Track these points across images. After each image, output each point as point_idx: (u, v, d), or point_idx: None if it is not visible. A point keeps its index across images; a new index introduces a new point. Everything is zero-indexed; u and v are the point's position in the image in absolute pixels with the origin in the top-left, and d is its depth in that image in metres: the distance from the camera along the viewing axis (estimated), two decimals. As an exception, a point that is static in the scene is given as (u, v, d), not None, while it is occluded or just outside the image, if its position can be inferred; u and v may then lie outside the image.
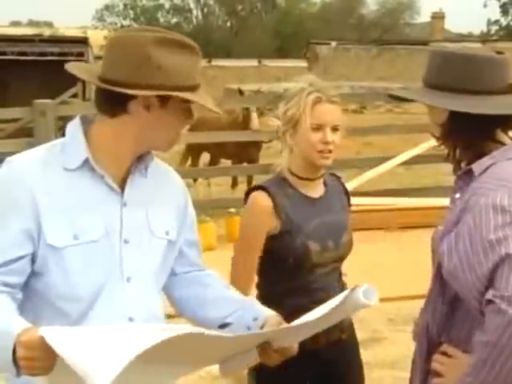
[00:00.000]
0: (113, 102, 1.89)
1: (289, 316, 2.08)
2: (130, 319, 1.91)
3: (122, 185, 1.95)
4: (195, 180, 10.85)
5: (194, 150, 11.55)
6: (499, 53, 2.00)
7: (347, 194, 2.80)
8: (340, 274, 2.74)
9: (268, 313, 2.04)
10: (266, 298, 2.47)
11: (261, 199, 2.59)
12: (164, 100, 1.87)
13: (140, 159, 1.98)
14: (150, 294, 1.98)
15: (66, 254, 1.85)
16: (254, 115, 10.28)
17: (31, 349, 1.60)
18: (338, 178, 2.81)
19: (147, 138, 1.91)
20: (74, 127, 1.95)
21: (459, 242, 1.85)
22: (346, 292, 1.77)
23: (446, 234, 1.94)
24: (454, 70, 1.97)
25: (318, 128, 2.53)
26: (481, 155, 1.97)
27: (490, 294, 1.76)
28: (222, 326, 2.06)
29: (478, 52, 1.99)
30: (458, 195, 2.00)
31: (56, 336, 1.57)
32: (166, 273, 2.08)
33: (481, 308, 1.80)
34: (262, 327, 1.99)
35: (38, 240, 1.84)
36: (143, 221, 1.96)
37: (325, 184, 2.70)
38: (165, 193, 2.05)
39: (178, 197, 2.10)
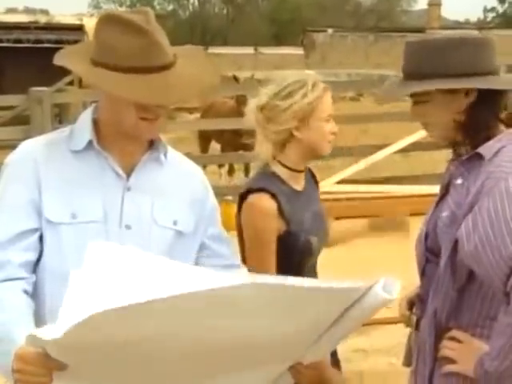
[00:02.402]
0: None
1: None
2: None
3: (132, 170, 1.96)
4: (205, 167, 10.86)
5: (202, 138, 11.60)
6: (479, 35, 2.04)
7: (317, 184, 2.78)
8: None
9: None
10: None
11: (265, 202, 2.45)
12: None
13: (153, 147, 1.99)
14: None
15: (61, 230, 1.87)
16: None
17: (24, 362, 1.57)
18: (309, 168, 2.74)
19: (115, 122, 1.90)
20: (85, 113, 1.99)
21: (478, 224, 1.86)
22: (361, 285, 1.59)
23: (456, 219, 1.95)
24: (457, 55, 1.97)
25: (329, 119, 2.51)
26: (488, 138, 1.98)
27: None
28: None
29: (469, 35, 2.02)
30: (459, 181, 2.00)
31: (48, 332, 1.51)
32: None
33: (505, 289, 1.82)
34: None
35: (41, 214, 1.87)
36: (146, 208, 1.96)
37: (305, 176, 2.67)
38: (179, 184, 2.04)
39: (195, 189, 2.08)
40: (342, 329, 1.72)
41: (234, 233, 2.70)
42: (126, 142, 1.94)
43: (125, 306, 1.38)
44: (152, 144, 2.00)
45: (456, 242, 1.93)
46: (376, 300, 1.62)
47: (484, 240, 1.84)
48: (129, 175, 1.95)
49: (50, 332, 1.50)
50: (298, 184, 2.60)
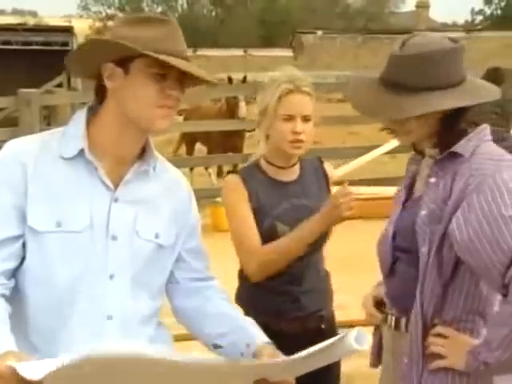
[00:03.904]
0: (96, 86, 1.95)
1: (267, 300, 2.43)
2: (109, 317, 1.91)
3: (120, 180, 1.94)
4: (191, 169, 10.89)
5: (187, 139, 11.62)
6: (454, 41, 2.04)
7: (326, 178, 2.81)
8: (318, 262, 2.76)
9: (261, 340, 2.01)
10: (246, 282, 2.62)
11: (233, 179, 2.69)
12: (125, 67, 1.87)
13: (143, 158, 1.98)
14: (135, 294, 1.96)
15: (46, 239, 1.85)
16: (242, 104, 10.30)
17: (0, 378, 1.57)
18: (321, 161, 2.82)
19: (126, 114, 1.89)
20: (78, 115, 1.96)
21: (471, 220, 1.90)
22: (337, 337, 1.77)
23: (436, 217, 1.98)
24: (422, 70, 1.98)
25: (289, 118, 2.58)
26: (456, 139, 2.03)
27: None
28: (216, 346, 2.07)
29: (435, 47, 1.99)
30: (433, 180, 2.05)
31: (29, 369, 1.53)
32: (159, 277, 2.05)
33: (504, 281, 1.87)
34: (253, 355, 1.96)
35: (25, 220, 1.85)
36: (130, 220, 1.94)
37: (301, 168, 2.73)
38: (165, 197, 2.03)
39: (179, 202, 2.08)
40: (309, 365, 1.88)
41: (223, 233, 2.74)
42: (121, 144, 1.93)
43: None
44: (142, 153, 1.99)
45: (442, 240, 1.97)
46: (347, 349, 1.75)
47: (480, 234, 1.88)
48: (116, 185, 1.93)
49: (31, 371, 1.51)
50: (285, 176, 2.70)
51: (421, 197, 2.09)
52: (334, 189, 2.72)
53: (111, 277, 1.91)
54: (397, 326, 2.18)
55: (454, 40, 2.05)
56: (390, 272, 2.18)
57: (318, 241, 2.66)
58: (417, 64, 1.99)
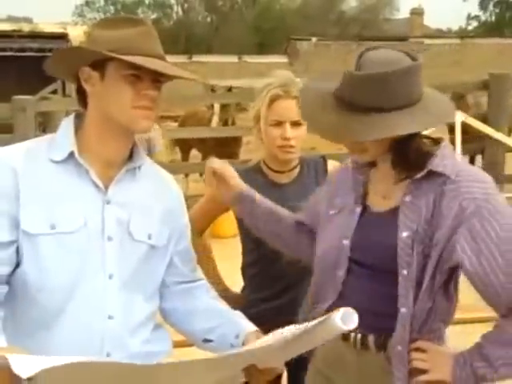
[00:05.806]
0: (76, 90, 1.96)
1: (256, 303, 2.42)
2: (110, 317, 1.91)
3: (110, 183, 1.95)
4: (187, 175, 10.91)
5: (181, 146, 11.64)
6: (413, 58, 1.97)
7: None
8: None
9: (249, 329, 2.03)
10: (250, 279, 2.70)
11: None
12: (100, 70, 1.88)
13: (131, 160, 2.00)
14: (134, 295, 1.97)
15: (40, 241, 1.85)
16: (215, 115, 10.43)
17: None
18: (325, 160, 2.81)
19: (108, 117, 1.90)
20: (66, 122, 1.98)
21: (481, 249, 1.87)
22: (322, 317, 1.74)
23: (422, 237, 1.94)
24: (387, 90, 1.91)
25: (278, 124, 2.58)
26: (424, 156, 1.99)
27: None
28: (205, 341, 2.08)
29: (393, 68, 1.91)
30: (408, 198, 2.00)
31: (22, 363, 1.50)
32: (152, 279, 2.05)
33: (509, 305, 1.87)
34: (243, 344, 1.98)
35: (18, 226, 1.84)
36: (124, 221, 1.95)
37: (301, 168, 2.74)
38: (156, 198, 2.04)
39: (171, 205, 2.09)
40: (295, 349, 1.85)
41: (220, 240, 2.74)
42: (108, 147, 1.94)
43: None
44: (131, 155, 2.01)
45: (438, 262, 1.94)
46: (333, 329, 1.71)
47: (494, 267, 1.86)
48: (107, 187, 1.94)
49: (22, 367, 1.48)
50: (283, 177, 2.71)
51: (389, 214, 2.04)
52: None
53: (110, 276, 1.91)
54: (363, 344, 2.14)
55: (412, 57, 1.97)
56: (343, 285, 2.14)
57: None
58: (373, 84, 1.90)
